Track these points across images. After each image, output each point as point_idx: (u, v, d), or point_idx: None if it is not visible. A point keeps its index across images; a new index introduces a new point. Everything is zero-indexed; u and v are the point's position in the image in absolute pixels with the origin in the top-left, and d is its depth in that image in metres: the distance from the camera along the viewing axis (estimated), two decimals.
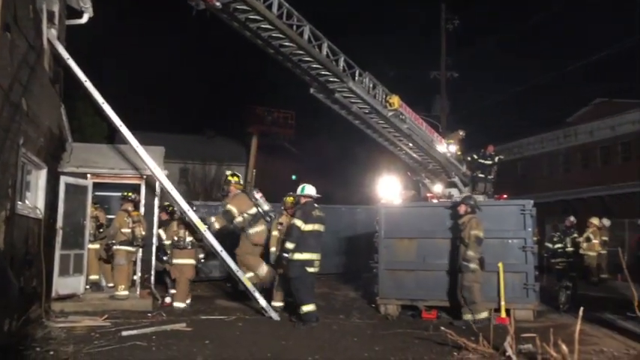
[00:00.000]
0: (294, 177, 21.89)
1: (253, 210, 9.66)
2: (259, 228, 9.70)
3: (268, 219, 9.87)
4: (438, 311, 9.51)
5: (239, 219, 9.59)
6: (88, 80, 9.18)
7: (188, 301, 10.24)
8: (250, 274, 9.56)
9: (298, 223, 8.57)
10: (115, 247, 10.32)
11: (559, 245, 12.34)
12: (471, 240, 8.83)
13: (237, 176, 10.05)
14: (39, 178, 8.82)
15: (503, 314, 9.02)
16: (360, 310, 10.43)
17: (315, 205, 8.84)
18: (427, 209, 10.96)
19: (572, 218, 14.38)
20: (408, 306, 10.00)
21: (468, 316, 8.76)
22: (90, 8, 10.85)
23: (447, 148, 15.59)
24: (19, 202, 7.39)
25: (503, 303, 9.14)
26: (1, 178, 6.36)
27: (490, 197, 15.03)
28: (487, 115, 32.25)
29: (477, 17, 34.51)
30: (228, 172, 10.19)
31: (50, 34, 9.16)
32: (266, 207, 9.76)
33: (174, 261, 10.23)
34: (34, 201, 8.60)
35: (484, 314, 8.72)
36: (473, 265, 8.77)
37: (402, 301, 9.99)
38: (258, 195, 9.82)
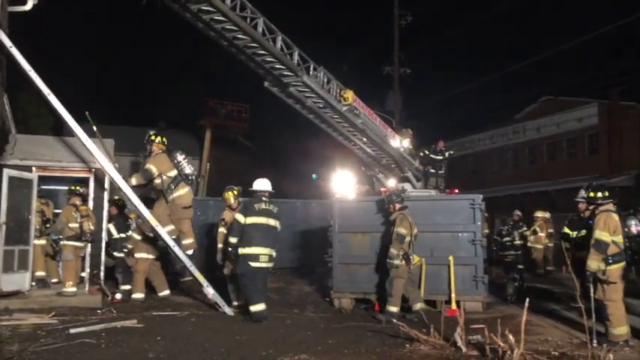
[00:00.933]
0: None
1: (173, 172, 9.45)
2: (183, 191, 9.51)
3: (190, 182, 9.70)
4: None
5: (157, 181, 9.42)
6: (32, 70, 8.82)
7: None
8: (189, 241, 9.60)
9: (238, 216, 8.54)
10: (62, 242, 10.02)
11: (507, 238, 12.69)
12: (393, 237, 8.98)
13: (161, 136, 9.78)
14: None
15: (453, 306, 9.27)
16: (315, 304, 10.49)
17: (264, 198, 8.61)
18: (380, 203, 11.09)
19: (518, 212, 14.85)
20: (362, 299, 10.12)
21: (417, 307, 9.00)
22: None
23: (400, 143, 15.81)
24: None
25: (453, 295, 9.38)
26: None
27: (442, 192, 15.37)
28: (439, 110, 32.93)
29: (429, 13, 35.01)
30: (152, 132, 9.88)
31: None
32: (188, 170, 9.60)
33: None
34: None
35: (394, 309, 8.85)
36: (396, 262, 8.92)
37: (355, 294, 10.10)
38: (181, 157, 9.62)
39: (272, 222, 8.52)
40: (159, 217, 9.33)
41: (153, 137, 9.67)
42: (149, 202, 9.81)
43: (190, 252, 9.63)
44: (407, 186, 15.76)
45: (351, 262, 10.19)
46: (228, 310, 8.99)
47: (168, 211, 9.49)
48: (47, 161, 10.25)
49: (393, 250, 8.89)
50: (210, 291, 9.12)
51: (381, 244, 9.73)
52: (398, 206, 9.29)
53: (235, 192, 9.95)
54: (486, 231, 11.71)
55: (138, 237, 10.38)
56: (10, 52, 8.78)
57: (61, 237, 10.09)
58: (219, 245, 9.83)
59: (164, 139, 9.74)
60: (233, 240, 8.47)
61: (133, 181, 9.42)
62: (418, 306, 9.04)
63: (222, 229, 9.84)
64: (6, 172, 9.44)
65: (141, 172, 9.50)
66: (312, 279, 13.48)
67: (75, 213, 10.09)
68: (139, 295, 10.41)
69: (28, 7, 10.49)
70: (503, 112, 30.93)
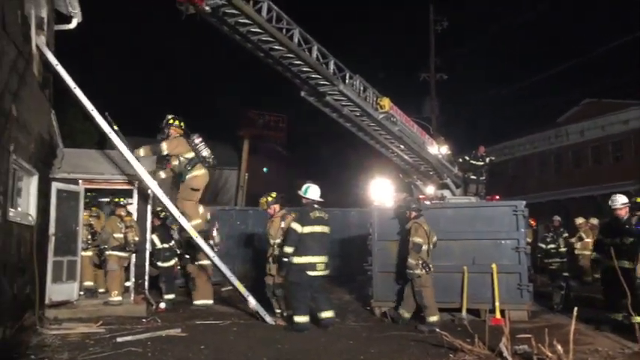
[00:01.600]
0: (265, 169, 21.18)
1: (190, 154, 9.58)
2: (199, 172, 9.62)
3: (207, 165, 9.77)
4: None
5: (175, 162, 9.56)
6: (77, 87, 9.13)
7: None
8: (195, 222, 9.65)
9: (295, 225, 8.50)
10: (107, 252, 10.28)
11: (552, 245, 12.36)
12: (410, 247, 8.92)
13: (178, 120, 9.92)
14: (30, 185, 8.73)
15: (497, 315, 9.07)
16: (355, 313, 10.43)
17: (316, 206, 8.66)
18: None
19: (558, 218, 14.45)
20: None
21: (403, 312, 9.19)
22: (79, 13, 10.78)
23: (438, 149, 15.66)
24: (11, 209, 7.31)
25: (497, 304, 9.19)
26: None
27: (482, 198, 15.13)
28: (478, 116, 32.46)
29: (466, 18, 34.66)
30: (170, 116, 9.98)
31: (39, 40, 9.09)
32: (205, 152, 9.68)
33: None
34: (26, 207, 8.52)
35: (434, 318, 8.76)
36: (417, 271, 8.84)
37: (397, 303, 9.98)
38: (197, 140, 9.71)
39: (326, 229, 8.61)
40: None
41: (171, 121, 9.84)
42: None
43: (214, 249, 9.84)
44: (446, 193, 15.60)
45: (391, 270, 10.08)
46: (269, 320, 9.03)
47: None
48: (93, 174, 10.54)
49: (411, 261, 8.84)
50: (251, 301, 9.20)
51: (399, 254, 9.69)
52: (413, 214, 9.23)
53: (269, 198, 9.82)
54: (529, 239, 11.42)
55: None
56: (57, 70, 9.09)
57: (106, 247, 10.36)
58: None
59: (181, 123, 9.90)
60: (290, 249, 8.42)
61: (141, 151, 9.63)
62: (406, 315, 9.20)
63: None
64: (54, 185, 9.76)
65: (151, 145, 9.69)
66: (352, 287, 13.42)
67: (119, 224, 10.36)
68: (208, 302, 10.92)
69: (73, 25, 10.92)
70: (544, 115, 30.30)
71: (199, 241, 9.54)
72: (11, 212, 7.25)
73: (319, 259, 8.39)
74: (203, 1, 9.43)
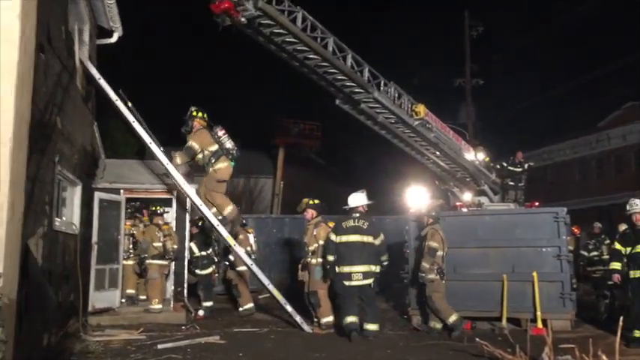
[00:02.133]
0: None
1: (214, 147, 9.53)
2: (223, 164, 9.57)
3: (231, 157, 9.71)
4: (472, 322, 9.37)
5: (199, 156, 9.58)
6: (118, 99, 9.37)
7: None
8: (229, 209, 9.63)
9: (331, 235, 8.54)
10: (147, 261, 10.48)
11: (595, 253, 12.04)
12: (425, 251, 8.85)
13: (202, 112, 9.89)
14: (74, 195, 9.00)
15: (539, 324, 8.86)
16: (392, 322, 10.34)
17: (355, 214, 8.52)
18: (457, 218, 10.84)
19: (599, 224, 14.03)
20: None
21: (434, 324, 9.00)
22: (119, 27, 11.11)
23: (475, 156, 15.46)
24: (56, 219, 7.54)
25: (539, 313, 8.98)
26: (38, 195, 6.51)
27: (521, 205, 14.83)
28: (515, 121, 31.91)
29: (502, 22, 34.22)
30: (193, 108, 9.93)
31: (82, 54, 9.39)
32: (228, 145, 9.61)
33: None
34: (70, 217, 8.78)
35: (454, 317, 8.70)
36: (430, 276, 8.77)
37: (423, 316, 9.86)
38: (221, 132, 9.65)
39: (365, 238, 8.30)
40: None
41: (194, 113, 9.82)
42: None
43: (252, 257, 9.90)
44: (483, 200, 15.37)
45: None
46: (307, 327, 9.05)
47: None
48: (133, 184, 10.78)
49: (425, 264, 8.80)
50: (288, 308, 9.23)
51: (415, 260, 9.69)
52: (430, 220, 9.18)
53: (311, 201, 9.73)
54: (571, 247, 11.14)
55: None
56: (99, 83, 9.37)
57: (146, 256, 10.57)
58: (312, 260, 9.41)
59: (205, 115, 9.89)
60: (330, 258, 8.45)
61: (178, 159, 9.62)
62: (437, 325, 9.01)
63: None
64: (97, 194, 10.03)
65: (184, 151, 9.66)
66: (389, 295, 13.31)
67: (158, 232, 10.55)
68: (249, 305, 11.07)
69: (114, 39, 11.25)
70: (585, 120, 29.56)
71: (237, 249, 9.65)
72: (56, 221, 7.47)
73: (353, 269, 8.21)
74: (239, 12, 9.59)
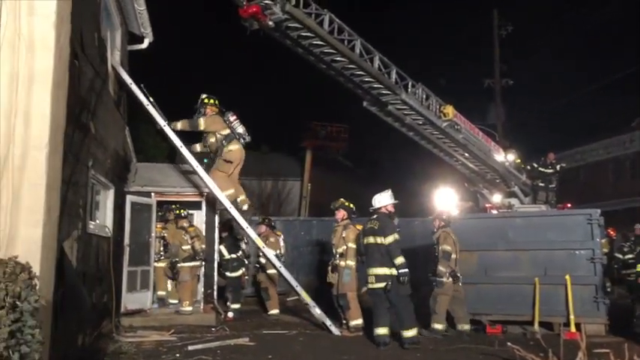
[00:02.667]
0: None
1: (226, 131, 9.76)
2: (234, 147, 9.79)
3: (242, 141, 9.91)
4: (503, 326, 9.25)
5: (212, 140, 9.74)
6: (150, 104, 9.52)
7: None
8: (228, 192, 9.72)
9: (362, 238, 8.49)
10: (179, 264, 10.61)
11: (630, 255, 11.74)
12: (440, 255, 8.79)
13: (214, 99, 10.07)
14: (107, 198, 9.19)
15: (572, 329, 8.69)
16: (422, 325, 10.24)
17: (374, 216, 8.35)
18: (487, 220, 10.73)
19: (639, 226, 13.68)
20: (471, 320, 9.76)
21: (462, 326, 8.91)
22: (150, 33, 11.31)
23: (505, 157, 15.26)
24: (90, 222, 7.71)
25: (572, 317, 8.81)
26: (72, 199, 6.67)
27: (553, 207, 14.59)
28: (546, 121, 31.35)
29: (531, 21, 33.70)
30: (204, 95, 10.13)
31: (114, 60, 9.59)
32: (240, 129, 9.83)
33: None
34: (103, 220, 8.97)
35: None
36: (444, 279, 8.75)
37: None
38: (232, 117, 9.86)
39: (379, 240, 8.02)
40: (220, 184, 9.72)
41: (206, 100, 10.03)
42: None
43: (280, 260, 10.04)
44: (514, 201, 15.16)
45: None
46: (335, 330, 9.05)
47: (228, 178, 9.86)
48: (164, 187, 10.95)
49: (441, 268, 8.75)
50: (317, 311, 9.25)
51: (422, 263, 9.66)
52: (441, 223, 9.14)
53: (346, 203, 9.74)
54: (605, 249, 10.90)
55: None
56: (131, 89, 9.55)
57: (177, 260, 10.70)
58: (341, 262, 9.39)
59: (216, 102, 10.09)
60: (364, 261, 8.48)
61: (179, 125, 9.80)
62: (465, 327, 8.92)
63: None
64: (129, 198, 10.22)
65: (189, 121, 9.87)
66: (417, 298, 13.19)
67: (185, 235, 10.69)
68: (276, 311, 11.21)
69: (145, 45, 11.46)
70: (618, 119, 28.84)
71: (266, 251, 9.72)
72: (90, 224, 7.65)
73: (370, 272, 8.05)
74: (267, 16, 9.68)
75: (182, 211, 11.10)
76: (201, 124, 9.80)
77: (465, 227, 10.25)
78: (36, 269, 4.05)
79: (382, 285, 7.82)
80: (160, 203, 11.16)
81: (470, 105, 22.40)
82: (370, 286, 8.03)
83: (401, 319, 7.85)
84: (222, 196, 9.74)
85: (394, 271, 7.81)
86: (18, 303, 3.61)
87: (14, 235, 4.32)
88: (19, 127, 4.43)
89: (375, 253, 8.06)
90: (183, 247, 10.63)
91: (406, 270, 7.83)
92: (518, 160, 15.77)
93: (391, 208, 8.40)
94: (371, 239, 8.14)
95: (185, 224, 10.88)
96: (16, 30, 4.50)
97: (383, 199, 8.41)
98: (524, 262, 9.46)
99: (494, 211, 13.48)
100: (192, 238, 10.63)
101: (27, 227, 4.38)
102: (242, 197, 10.09)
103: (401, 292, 7.84)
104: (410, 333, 7.75)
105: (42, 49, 4.59)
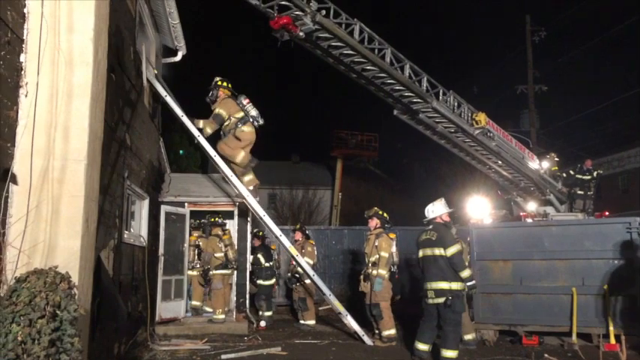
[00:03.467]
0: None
1: (240, 114, 9.89)
2: (248, 128, 9.95)
3: (256, 123, 10.02)
4: (539, 337, 9.04)
5: (226, 123, 9.85)
6: (184, 115, 9.68)
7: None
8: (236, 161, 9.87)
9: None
10: (211, 272, 10.72)
11: None
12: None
13: (226, 81, 10.19)
14: (142, 208, 9.37)
15: (612, 340, 8.43)
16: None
17: (428, 227, 7.66)
18: (522, 229, 10.52)
19: None
20: (507, 331, 9.59)
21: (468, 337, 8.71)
22: (183, 47, 11.56)
23: (540, 164, 14.99)
24: (125, 231, 7.87)
25: (611, 328, 8.56)
26: (109, 209, 6.82)
27: (590, 215, 14.23)
28: (582, 128, 30.67)
29: (565, 26, 33.10)
30: (218, 78, 10.26)
31: (149, 73, 9.80)
32: (253, 112, 9.96)
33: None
34: (138, 229, 9.14)
35: (470, 337, 8.82)
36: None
37: (499, 326, 9.58)
38: (245, 101, 9.98)
39: (437, 251, 7.35)
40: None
41: (219, 82, 10.16)
42: None
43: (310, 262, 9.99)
44: (549, 209, 14.84)
45: (492, 291, 9.71)
46: (368, 340, 8.99)
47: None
48: (197, 197, 11.10)
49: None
50: (349, 320, 9.21)
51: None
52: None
53: (380, 211, 9.65)
54: None
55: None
56: (165, 101, 9.73)
57: (209, 267, 10.82)
58: (373, 271, 9.24)
59: (229, 85, 10.21)
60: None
61: (208, 129, 9.87)
62: (468, 337, 8.73)
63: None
64: (163, 208, 10.39)
65: (212, 118, 9.95)
66: None
67: (219, 243, 10.81)
68: (311, 322, 11.16)
69: (178, 58, 11.71)
70: None
71: (300, 259, 9.73)
72: (125, 234, 7.80)
73: (427, 286, 7.35)
74: (297, 27, 9.72)
75: (217, 218, 11.21)
76: (224, 114, 9.93)
77: (500, 236, 10.11)
78: (75, 279, 4.14)
79: (442, 300, 7.16)
80: (193, 213, 11.31)
81: (503, 112, 22.13)
82: (430, 301, 7.28)
83: (446, 338, 7.17)
84: (256, 204, 9.82)
85: (454, 285, 7.19)
86: (58, 312, 3.70)
87: (54, 246, 4.43)
88: (59, 140, 4.56)
89: (433, 266, 7.39)
90: (216, 255, 10.75)
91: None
92: (555, 167, 15.45)
93: (446, 218, 7.72)
94: (428, 251, 7.48)
95: (219, 232, 11.01)
96: (56, 46, 4.63)
97: (437, 209, 7.71)
98: (561, 272, 9.25)
99: (529, 220, 13.22)
100: (225, 245, 10.75)
101: (66, 238, 4.48)
102: (250, 177, 10.23)
103: (457, 309, 7.19)
104: (451, 354, 7.08)
105: (80, 64, 4.72)
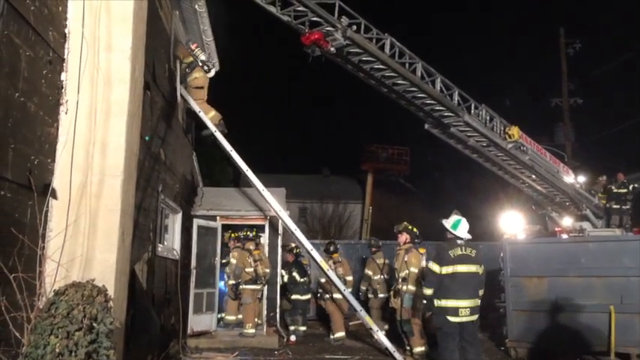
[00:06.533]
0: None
1: (189, 59, 9.93)
2: (198, 74, 10.00)
3: (206, 68, 10.08)
4: (577, 357, 8.80)
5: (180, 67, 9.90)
6: (217, 131, 9.82)
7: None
8: (211, 114, 9.89)
9: (432, 266, 7.31)
10: (241, 286, 10.77)
11: None
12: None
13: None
14: (175, 222, 9.51)
15: None
16: (489, 353, 9.93)
17: (459, 242, 7.27)
18: (557, 245, 10.32)
19: None
20: (543, 350, 9.36)
21: None
22: (217, 63, 11.75)
23: (575, 178, 14.69)
24: (159, 245, 8.00)
25: None
26: (143, 223, 6.96)
27: (628, 231, 13.84)
28: (619, 140, 29.88)
29: (600, 37, 32.45)
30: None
31: (182, 89, 10.01)
32: (202, 57, 10.04)
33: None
34: (172, 243, 9.28)
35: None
36: None
37: (533, 344, 9.37)
38: (193, 46, 10.06)
39: (473, 268, 7.16)
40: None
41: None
42: None
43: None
44: (585, 225, 14.49)
45: (527, 308, 9.53)
46: (398, 356, 8.89)
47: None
48: (228, 210, 11.22)
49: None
50: (380, 336, 9.13)
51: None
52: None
53: (409, 226, 9.63)
54: None
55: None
56: (199, 117, 9.90)
57: (240, 281, 10.88)
58: (403, 287, 9.23)
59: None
60: (428, 291, 7.31)
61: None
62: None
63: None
64: (195, 221, 10.53)
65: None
66: (483, 325, 12.78)
67: (249, 258, 10.83)
68: (341, 334, 10.98)
69: (212, 74, 11.84)
70: None
71: (330, 274, 9.72)
72: (159, 247, 7.93)
73: (461, 304, 7.00)
74: (329, 42, 9.81)
75: (248, 232, 11.25)
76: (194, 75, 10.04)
77: (534, 252, 9.93)
78: (110, 292, 4.23)
79: (476, 317, 7.08)
80: (225, 227, 11.41)
81: (538, 126, 21.77)
82: (465, 319, 7.01)
83: (471, 353, 7.04)
84: (288, 219, 9.87)
85: (478, 302, 7.16)
86: (95, 325, 3.77)
87: (91, 259, 4.54)
88: (97, 156, 4.68)
89: (468, 283, 7.13)
90: (247, 270, 10.78)
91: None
92: (603, 180, 15.12)
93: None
94: (465, 268, 7.14)
95: (251, 247, 11.03)
96: (95, 65, 4.78)
97: (466, 225, 7.45)
98: (598, 290, 9.00)
99: (565, 236, 12.93)
100: (255, 261, 10.77)
101: (102, 251, 4.59)
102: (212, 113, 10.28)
103: (477, 325, 7.23)
104: None
105: (118, 82, 4.85)
